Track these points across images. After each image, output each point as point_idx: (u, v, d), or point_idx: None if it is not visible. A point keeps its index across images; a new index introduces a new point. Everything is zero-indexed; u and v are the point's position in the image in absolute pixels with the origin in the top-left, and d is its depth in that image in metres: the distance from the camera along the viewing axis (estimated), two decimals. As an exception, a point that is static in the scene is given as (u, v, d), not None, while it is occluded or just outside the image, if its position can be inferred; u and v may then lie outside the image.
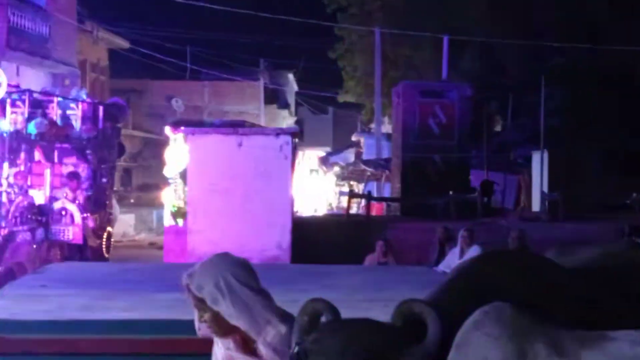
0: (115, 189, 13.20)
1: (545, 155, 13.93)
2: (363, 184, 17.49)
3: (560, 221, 10.82)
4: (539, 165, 14.09)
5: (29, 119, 9.80)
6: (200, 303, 1.91)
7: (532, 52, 16.20)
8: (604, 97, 15.66)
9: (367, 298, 3.76)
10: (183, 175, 10.39)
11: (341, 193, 17.69)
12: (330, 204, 19.75)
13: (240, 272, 1.91)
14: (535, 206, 14.14)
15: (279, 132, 10.70)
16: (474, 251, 7.45)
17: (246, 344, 1.93)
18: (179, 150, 10.44)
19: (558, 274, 1.77)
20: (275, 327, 1.84)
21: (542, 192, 13.18)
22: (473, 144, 13.17)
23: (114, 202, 12.47)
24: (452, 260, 8.05)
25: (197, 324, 2.04)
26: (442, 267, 7.86)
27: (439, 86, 13.30)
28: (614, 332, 1.41)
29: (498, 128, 18.23)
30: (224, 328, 1.93)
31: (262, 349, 1.88)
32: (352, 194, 14.15)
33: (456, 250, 8.51)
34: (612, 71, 15.53)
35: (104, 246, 10.61)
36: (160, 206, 13.95)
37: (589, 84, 15.82)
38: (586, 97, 15.70)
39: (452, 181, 11.47)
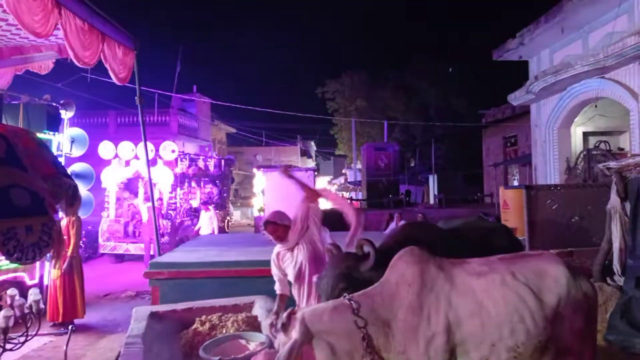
0: (230, 199, 18.98)
1: (435, 176, 21.65)
2: (348, 193, 26.27)
3: (443, 208, 16.29)
4: (432, 181, 21.73)
5: (188, 167, 15.17)
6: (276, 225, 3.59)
7: (428, 127, 25.79)
8: (462, 149, 24.01)
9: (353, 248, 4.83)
10: (262, 191, 15.88)
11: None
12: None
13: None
14: (431, 201, 20.80)
15: (308, 169, 15.87)
16: (402, 223, 8.99)
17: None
18: (260, 180, 16.32)
19: (442, 232, 3.06)
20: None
21: (434, 194, 19.69)
22: (400, 172, 19.81)
23: (230, 205, 18.89)
24: (392, 228, 10.51)
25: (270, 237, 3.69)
26: (386, 232, 9.80)
27: (383, 145, 19.90)
28: (469, 259, 2.29)
29: (412, 164, 27.64)
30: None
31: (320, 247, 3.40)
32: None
33: (393, 224, 11.36)
34: (465, 136, 24.09)
35: (226, 226, 16.51)
36: (251, 206, 22.27)
37: (452, 143, 24.57)
38: (451, 149, 24.05)
39: (390, 190, 17.61)
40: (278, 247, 3.83)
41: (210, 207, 13.17)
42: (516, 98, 12.55)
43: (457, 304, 2.16)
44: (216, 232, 12.18)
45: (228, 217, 17.77)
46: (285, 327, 2.06)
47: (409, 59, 29.94)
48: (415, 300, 2.14)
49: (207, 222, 12.50)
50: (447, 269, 2.26)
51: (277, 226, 3.77)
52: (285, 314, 2.10)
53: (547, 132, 12.13)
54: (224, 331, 3.98)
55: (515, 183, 17.86)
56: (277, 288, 3.85)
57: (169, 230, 12.66)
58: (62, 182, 2.38)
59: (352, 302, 2.12)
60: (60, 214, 5.30)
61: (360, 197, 23.18)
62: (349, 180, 30.54)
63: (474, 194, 19.81)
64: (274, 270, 3.85)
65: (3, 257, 2.00)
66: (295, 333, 2.01)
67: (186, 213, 14.58)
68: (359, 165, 27.90)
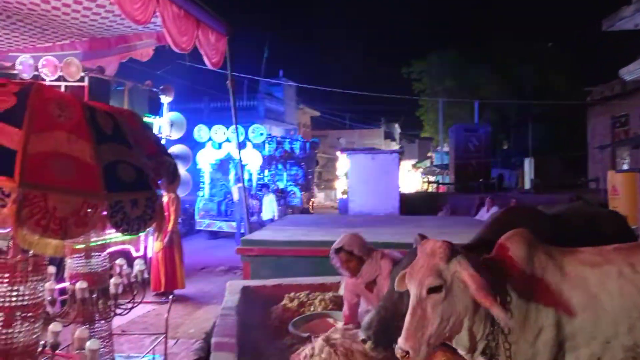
0: (315, 181, 19.13)
1: (531, 159, 19.83)
2: (434, 177, 25.41)
3: (540, 193, 15.31)
4: (528, 165, 19.91)
5: (275, 149, 15.93)
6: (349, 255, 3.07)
7: (523, 107, 23.57)
8: (562, 130, 21.63)
9: (440, 231, 5.87)
10: (345, 174, 16.38)
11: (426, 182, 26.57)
12: (417, 187, 28.92)
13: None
14: (527, 186, 19.33)
15: (392, 152, 15.43)
16: (494, 209, 10.22)
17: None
18: (343, 163, 16.91)
19: (545, 217, 2.69)
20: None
21: (530, 179, 18.32)
22: (491, 155, 18.87)
23: (314, 187, 19.15)
24: (482, 214, 10.75)
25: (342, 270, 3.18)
26: (477, 217, 10.62)
27: (474, 126, 19.17)
28: (581, 247, 2.05)
29: (505, 147, 25.64)
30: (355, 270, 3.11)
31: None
32: (429, 181, 21.06)
33: (485, 209, 11.22)
34: (565, 115, 21.90)
35: (310, 208, 17.07)
36: (335, 189, 22.64)
37: (551, 123, 22.20)
38: (549, 130, 21.88)
39: (481, 174, 16.88)
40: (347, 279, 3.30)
41: (271, 191, 13.36)
42: (630, 72, 11.22)
43: (568, 295, 1.98)
44: (276, 216, 12.25)
45: (312, 199, 18.10)
46: (450, 257, 1.92)
47: (502, 35, 27.90)
48: (526, 287, 1.99)
49: (268, 207, 12.66)
50: (557, 257, 2.07)
51: (352, 257, 3.14)
52: (446, 243, 1.96)
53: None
54: (312, 309, 4.05)
55: (625, 167, 16.29)
56: (347, 321, 3.31)
57: (257, 210, 13.07)
58: (164, 160, 2.49)
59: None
60: (162, 191, 5.64)
61: (447, 180, 22.62)
62: (434, 163, 29.77)
63: (575, 178, 18.31)
64: (347, 299, 3.36)
65: (112, 231, 2.13)
66: (464, 266, 1.87)
67: (274, 193, 14.68)
68: (446, 148, 27.07)
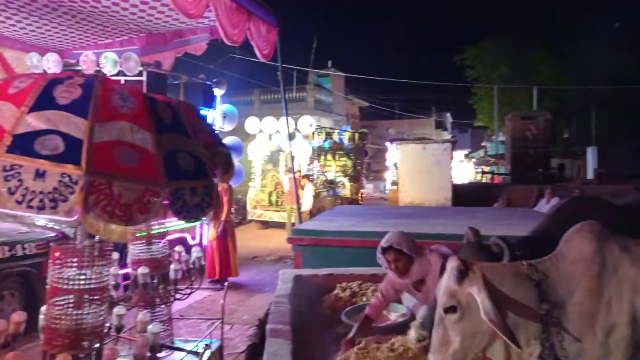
0: (363, 172, 18.73)
1: (595, 148, 18.80)
2: (488, 167, 24.54)
3: (604, 183, 14.45)
4: (591, 154, 18.84)
5: (324, 140, 15.87)
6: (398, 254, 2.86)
7: (586, 93, 22.40)
8: (630, 116, 20.42)
9: (496, 223, 5.58)
10: (395, 165, 16.43)
11: (480, 172, 25.93)
12: (470, 178, 28.14)
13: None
14: (589, 176, 18.18)
15: (444, 141, 15.03)
16: (554, 201, 10.07)
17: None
18: (393, 153, 16.81)
19: (614, 207, 2.46)
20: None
21: (594, 168, 17.29)
22: (551, 144, 18.00)
23: (363, 178, 18.67)
24: (542, 206, 10.31)
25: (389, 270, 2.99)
26: (536, 208, 9.90)
27: (532, 114, 18.26)
28: None
29: (566, 135, 24.13)
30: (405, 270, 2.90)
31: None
32: (483, 172, 20.43)
33: (544, 200, 10.77)
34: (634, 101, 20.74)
35: (359, 199, 16.88)
36: (383, 180, 22.55)
37: (617, 110, 20.92)
38: (615, 116, 20.46)
39: (539, 164, 15.99)
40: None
41: (309, 181, 13.12)
42: None
43: None
44: (309, 206, 12.08)
45: (361, 190, 17.91)
46: (461, 278, 1.82)
47: (561, 18, 26.30)
48: (593, 283, 1.85)
49: (307, 196, 12.53)
50: (634, 250, 1.92)
51: (401, 255, 2.95)
52: (458, 263, 1.84)
53: None
54: (364, 299, 4.02)
55: (703, 156, 15.12)
56: (371, 313, 3.09)
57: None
58: (219, 150, 2.53)
59: (533, 272, 1.86)
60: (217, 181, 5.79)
61: (502, 171, 21.83)
62: (489, 153, 28.61)
63: (642, 167, 17.08)
64: (383, 292, 3.18)
65: (170, 219, 2.19)
66: (477, 289, 1.77)
67: (323, 184, 15.16)
68: (501, 137, 26.08)
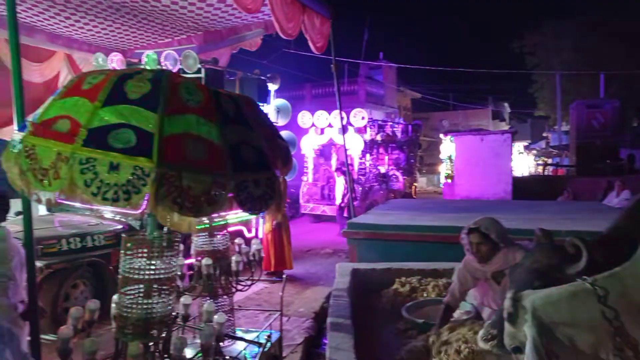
0: (417, 165, 18.70)
1: None
2: (550, 159, 23.29)
3: None
4: None
5: (377, 133, 15.29)
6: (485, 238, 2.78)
7: None
8: None
9: (565, 217, 5.61)
10: (450, 157, 15.48)
11: (541, 164, 24.72)
12: (530, 171, 26.89)
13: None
14: None
15: (504, 132, 14.78)
16: (625, 194, 9.97)
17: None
18: (447, 145, 16.00)
19: None
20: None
21: None
22: (619, 133, 16.72)
23: (416, 171, 18.65)
24: (611, 199, 10.26)
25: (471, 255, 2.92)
26: (605, 202, 9.96)
27: (599, 102, 17.12)
28: None
29: (635, 124, 22.23)
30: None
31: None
32: (545, 164, 19.50)
33: (614, 193, 10.55)
34: None
35: (413, 192, 16.69)
36: (438, 173, 22.10)
37: None
38: None
39: (607, 155, 15.07)
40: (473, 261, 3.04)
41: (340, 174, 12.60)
42: None
43: None
44: (338, 199, 11.88)
45: (415, 184, 17.65)
46: (514, 317, 1.72)
47: (629, -1, 24.26)
48: None
49: (338, 190, 12.28)
50: None
51: (486, 240, 2.91)
52: (510, 301, 1.73)
53: None
54: (425, 295, 3.94)
55: None
56: (449, 299, 3.12)
57: (359, 194, 12.95)
58: (279, 143, 2.53)
59: (596, 287, 1.68)
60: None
61: (566, 162, 20.70)
62: (551, 144, 27.12)
63: None
64: (460, 278, 3.13)
65: (231, 212, 2.20)
66: (527, 328, 1.66)
67: (375, 178, 14.91)
68: (564, 127, 24.86)
